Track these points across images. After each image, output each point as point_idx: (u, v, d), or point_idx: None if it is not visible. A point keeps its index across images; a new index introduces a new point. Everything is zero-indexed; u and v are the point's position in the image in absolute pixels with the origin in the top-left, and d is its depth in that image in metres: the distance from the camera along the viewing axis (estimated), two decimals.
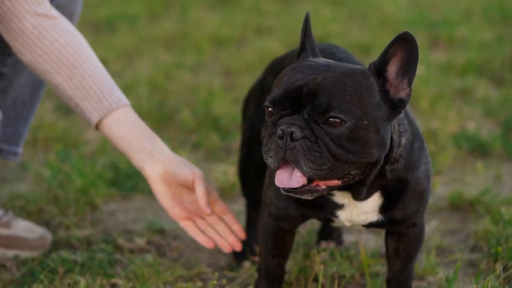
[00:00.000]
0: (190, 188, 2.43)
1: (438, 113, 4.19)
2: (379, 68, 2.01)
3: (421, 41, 5.75)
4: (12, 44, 2.45)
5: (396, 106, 2.01)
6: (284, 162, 1.96)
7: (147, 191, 3.30)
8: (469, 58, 5.18)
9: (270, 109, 2.01)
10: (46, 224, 3.00)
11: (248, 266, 2.68)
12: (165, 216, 3.11)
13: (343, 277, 2.61)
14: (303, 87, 1.95)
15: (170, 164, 2.40)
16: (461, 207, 3.24)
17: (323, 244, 2.81)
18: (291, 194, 1.99)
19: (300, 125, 1.94)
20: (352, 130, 1.93)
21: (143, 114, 4.19)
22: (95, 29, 6.19)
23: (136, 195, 3.33)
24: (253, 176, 2.69)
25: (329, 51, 2.36)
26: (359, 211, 2.18)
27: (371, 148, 1.96)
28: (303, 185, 1.96)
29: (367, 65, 2.04)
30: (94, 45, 5.57)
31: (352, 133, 1.93)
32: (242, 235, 2.52)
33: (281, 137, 1.94)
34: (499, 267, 2.60)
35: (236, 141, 3.95)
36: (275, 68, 2.59)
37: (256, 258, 2.71)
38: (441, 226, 3.06)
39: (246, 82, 4.67)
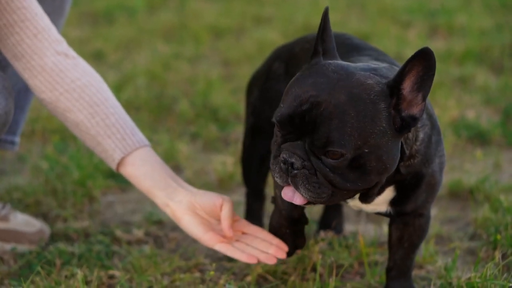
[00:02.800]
0: (218, 217, 2.38)
1: (437, 101, 4.17)
2: (394, 88, 1.95)
3: (420, 29, 5.74)
4: (31, 81, 2.42)
5: (406, 125, 1.96)
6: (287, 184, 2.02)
7: None
8: (468, 46, 5.16)
9: (277, 124, 2.02)
10: (44, 216, 2.99)
11: None
12: None
13: (342, 266, 2.60)
14: (305, 116, 1.93)
15: (196, 195, 2.36)
16: (460, 195, 3.24)
17: (322, 233, 2.81)
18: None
19: (301, 155, 1.96)
20: (352, 160, 1.93)
21: (141, 105, 4.19)
22: (94, 21, 6.17)
23: (134, 187, 3.31)
24: (256, 165, 2.69)
25: (344, 37, 2.35)
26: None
27: (370, 175, 1.96)
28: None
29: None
30: (93, 37, 5.62)
31: (353, 162, 1.93)
32: (284, 247, 2.38)
33: (284, 163, 1.98)
34: (498, 254, 2.59)
35: (234, 132, 3.94)
36: (283, 54, 2.58)
37: None
38: (440, 214, 3.05)
39: (245, 73, 4.66)
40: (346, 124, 1.90)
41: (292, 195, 2.02)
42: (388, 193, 2.14)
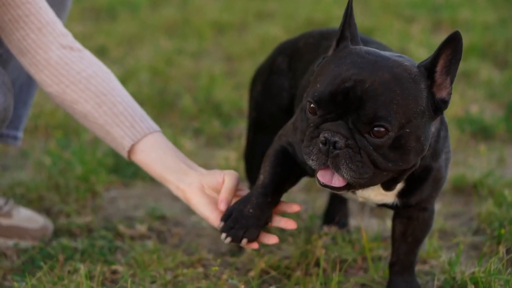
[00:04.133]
0: (218, 190, 2.34)
1: None
2: (430, 70, 1.98)
3: (423, 24, 5.73)
4: (37, 76, 2.42)
5: (438, 108, 1.99)
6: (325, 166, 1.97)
7: (148, 178, 3.29)
8: (472, 40, 5.15)
9: (312, 105, 1.97)
10: (47, 211, 2.99)
11: (249, 252, 2.66)
12: (166, 202, 3.10)
13: (345, 261, 2.59)
14: (349, 92, 1.91)
15: (204, 175, 2.34)
16: (464, 189, 3.23)
17: (325, 228, 2.80)
18: (328, 189, 2.01)
19: (344, 134, 1.93)
20: (395, 138, 1.92)
21: (144, 100, 4.18)
22: (96, 16, 6.17)
23: (137, 182, 3.32)
24: (258, 159, 2.67)
25: (365, 40, 2.34)
26: (378, 192, 2.16)
27: (409, 155, 1.95)
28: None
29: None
30: (95, 32, 5.61)
31: (394, 141, 1.92)
32: (296, 207, 2.33)
33: (324, 143, 1.94)
34: (502, 249, 2.59)
35: (237, 127, 3.94)
36: (287, 49, 2.57)
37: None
38: (444, 209, 3.04)
39: (248, 68, 4.65)
40: (392, 101, 1.90)
41: (330, 178, 1.97)
42: (398, 185, 2.13)
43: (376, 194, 2.16)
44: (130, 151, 2.41)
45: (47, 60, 2.40)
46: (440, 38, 5.37)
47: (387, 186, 2.10)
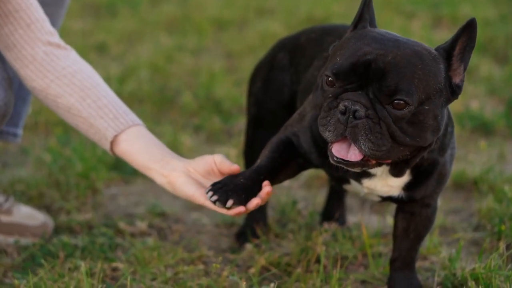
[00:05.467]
0: (216, 173, 2.32)
1: None
2: (448, 53, 2.01)
3: (424, 20, 5.72)
4: (22, 71, 2.42)
5: (454, 92, 2.01)
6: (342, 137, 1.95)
7: None
8: None
9: (330, 78, 1.97)
10: (47, 208, 2.99)
11: (250, 248, 2.66)
12: (166, 199, 3.10)
13: (346, 258, 2.59)
14: (371, 63, 1.92)
15: (194, 161, 2.33)
16: (464, 185, 3.23)
17: (326, 225, 2.80)
18: (342, 165, 1.98)
19: (365, 103, 1.92)
20: (413, 114, 1.93)
21: (144, 97, 4.19)
22: (96, 13, 6.16)
23: (137, 179, 3.32)
24: (258, 156, 2.67)
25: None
26: (385, 184, 2.16)
27: (427, 133, 1.96)
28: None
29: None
30: (95, 29, 5.61)
31: (412, 116, 1.93)
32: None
33: (343, 113, 1.93)
34: (502, 245, 2.58)
35: (237, 124, 3.94)
36: (288, 45, 2.57)
37: (257, 241, 2.70)
38: (444, 205, 3.04)
39: (248, 65, 4.65)
40: (414, 75, 1.92)
41: (346, 152, 1.95)
42: (405, 176, 2.14)
43: (382, 185, 2.16)
44: (113, 142, 2.40)
45: (33, 55, 2.40)
46: (440, 34, 5.37)
47: (398, 171, 2.09)
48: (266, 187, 2.18)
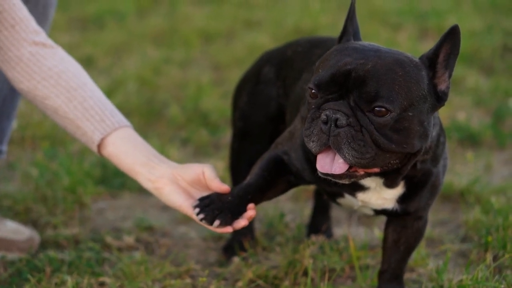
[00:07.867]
0: (203, 185, 2.31)
1: None
2: (432, 61, 2.01)
3: (410, 31, 5.74)
4: (9, 73, 2.42)
5: (440, 99, 2.02)
6: (325, 147, 1.96)
7: (136, 189, 3.28)
8: None
9: (313, 91, 1.98)
10: (34, 223, 2.98)
11: (237, 262, 2.66)
12: (153, 213, 3.10)
13: (333, 270, 2.59)
14: (351, 72, 1.93)
15: (178, 168, 2.32)
16: (451, 197, 3.23)
17: (313, 237, 2.80)
18: (329, 178, 1.99)
19: (346, 112, 1.93)
20: (397, 120, 1.93)
21: (131, 110, 4.18)
22: (83, 26, 6.15)
23: (125, 193, 3.31)
24: (245, 169, 2.66)
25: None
26: (380, 197, 2.16)
27: (414, 139, 1.96)
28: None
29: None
30: (82, 42, 5.60)
31: (397, 123, 1.93)
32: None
33: (325, 123, 1.94)
34: (489, 256, 2.59)
35: (225, 136, 3.94)
36: (274, 59, 2.57)
37: (245, 254, 2.69)
38: (431, 217, 3.03)
39: (235, 77, 4.64)
40: (394, 81, 1.93)
41: (330, 166, 1.96)
42: (399, 188, 2.14)
43: (377, 198, 2.16)
44: (100, 145, 2.39)
45: (19, 57, 2.40)
46: (427, 45, 5.39)
47: (390, 181, 2.10)
48: (250, 211, 2.20)
